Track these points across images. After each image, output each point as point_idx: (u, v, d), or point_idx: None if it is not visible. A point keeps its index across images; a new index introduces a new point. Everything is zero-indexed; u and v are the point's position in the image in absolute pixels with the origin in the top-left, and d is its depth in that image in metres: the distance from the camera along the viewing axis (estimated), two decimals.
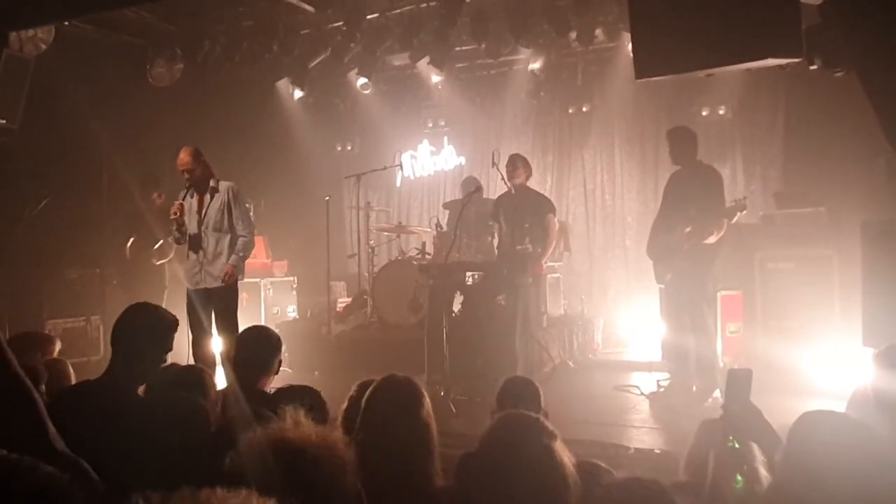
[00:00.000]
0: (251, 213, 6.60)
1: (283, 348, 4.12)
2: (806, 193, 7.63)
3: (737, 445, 2.49)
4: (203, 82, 9.67)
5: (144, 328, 3.27)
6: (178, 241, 6.48)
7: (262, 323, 8.06)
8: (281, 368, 4.01)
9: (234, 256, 6.33)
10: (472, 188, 7.63)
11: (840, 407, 3.27)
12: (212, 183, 6.39)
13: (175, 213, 6.24)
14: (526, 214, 7.25)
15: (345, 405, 3.10)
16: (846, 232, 6.72)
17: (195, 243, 6.34)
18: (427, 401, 2.73)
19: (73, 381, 3.86)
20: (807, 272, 6.97)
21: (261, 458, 1.79)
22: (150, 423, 2.57)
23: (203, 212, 6.35)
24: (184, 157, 6.28)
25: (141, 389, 3.28)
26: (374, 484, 2.42)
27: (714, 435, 2.71)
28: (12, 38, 7.47)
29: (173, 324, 3.39)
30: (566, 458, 2.22)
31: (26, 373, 2.03)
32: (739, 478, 2.42)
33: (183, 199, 6.34)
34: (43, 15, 5.61)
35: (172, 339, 3.36)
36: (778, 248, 7.26)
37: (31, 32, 7.48)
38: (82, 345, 7.93)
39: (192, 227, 6.36)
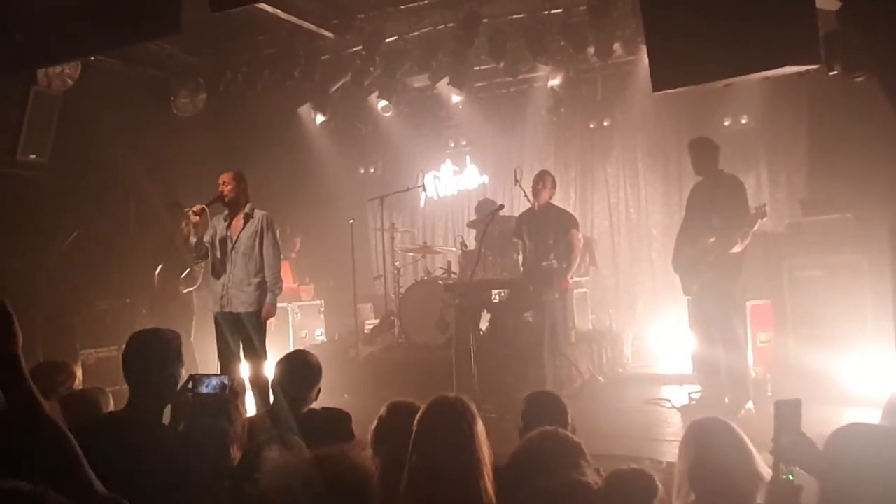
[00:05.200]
0: (280, 243, 6.62)
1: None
2: (832, 200, 7.53)
3: (790, 478, 2.41)
4: (226, 111, 9.81)
5: (150, 356, 3.20)
6: (196, 250, 6.42)
7: (291, 347, 8.10)
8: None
9: (270, 295, 6.36)
10: (492, 209, 7.63)
11: (875, 415, 3.22)
12: (246, 209, 6.43)
13: (196, 212, 6.21)
14: (549, 230, 7.23)
15: (374, 425, 3.09)
16: (875, 237, 6.64)
17: (222, 266, 6.38)
18: (479, 420, 2.69)
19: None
20: (836, 279, 6.86)
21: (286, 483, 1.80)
22: (174, 452, 2.56)
23: (235, 236, 6.40)
24: (225, 175, 6.39)
25: (167, 413, 3.26)
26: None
27: (709, 441, 2.65)
28: (40, 75, 7.66)
29: (178, 342, 3.33)
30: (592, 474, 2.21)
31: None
32: None
33: (208, 204, 6.33)
34: (69, 51, 5.74)
35: (181, 355, 3.30)
36: (806, 255, 7.17)
37: (58, 69, 7.65)
38: (115, 374, 7.98)
39: (220, 250, 6.40)
